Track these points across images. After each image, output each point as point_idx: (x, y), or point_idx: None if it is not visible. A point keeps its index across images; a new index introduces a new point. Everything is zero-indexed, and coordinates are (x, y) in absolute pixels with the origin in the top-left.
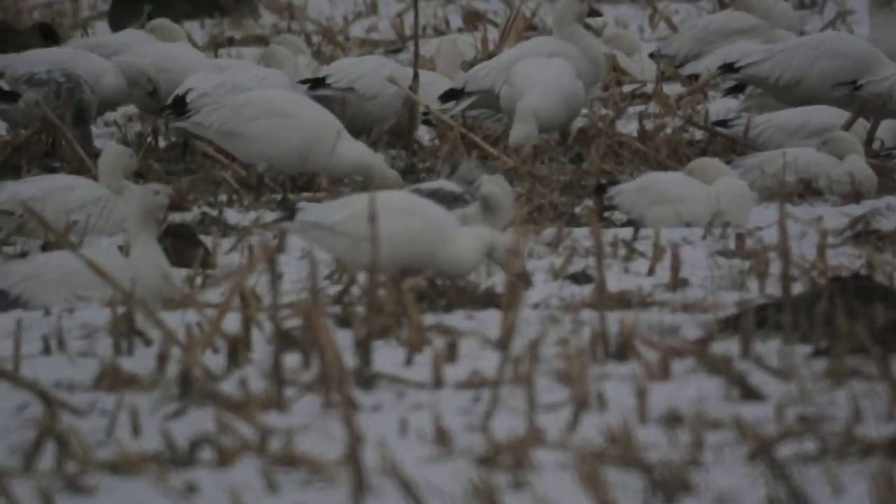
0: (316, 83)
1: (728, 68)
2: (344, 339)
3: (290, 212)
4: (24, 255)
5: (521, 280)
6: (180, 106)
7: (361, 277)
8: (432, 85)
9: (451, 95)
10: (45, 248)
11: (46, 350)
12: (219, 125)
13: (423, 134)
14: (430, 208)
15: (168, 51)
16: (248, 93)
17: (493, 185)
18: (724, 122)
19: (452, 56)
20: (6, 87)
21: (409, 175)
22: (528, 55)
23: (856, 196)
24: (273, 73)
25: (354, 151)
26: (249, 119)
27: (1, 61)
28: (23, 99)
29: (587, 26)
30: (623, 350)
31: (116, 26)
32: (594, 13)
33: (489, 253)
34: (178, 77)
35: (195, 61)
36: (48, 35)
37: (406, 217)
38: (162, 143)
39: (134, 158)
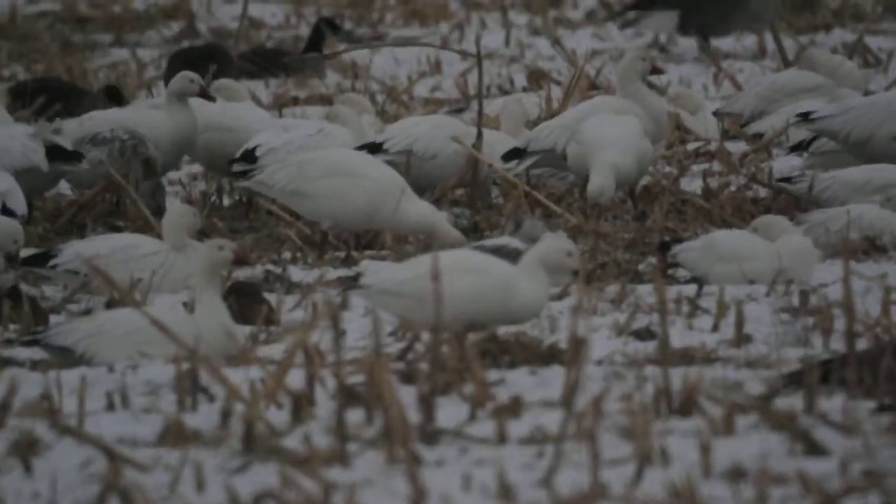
0: (374, 148)
1: (804, 117)
2: (407, 396)
3: (354, 276)
4: (88, 312)
5: (579, 348)
6: (250, 159)
7: (425, 334)
8: (496, 144)
9: (514, 154)
10: (110, 305)
11: (110, 406)
12: (283, 184)
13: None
14: (494, 264)
15: (232, 110)
16: (312, 152)
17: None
18: (788, 180)
19: (516, 115)
20: (69, 148)
21: (473, 233)
22: (591, 114)
23: None
24: (335, 129)
25: (418, 210)
26: (314, 178)
27: (67, 124)
28: (87, 158)
29: (650, 85)
30: (686, 405)
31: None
32: (657, 71)
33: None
34: (243, 136)
35: (259, 120)
36: (114, 97)
37: (471, 275)
38: (226, 202)
39: (198, 217)
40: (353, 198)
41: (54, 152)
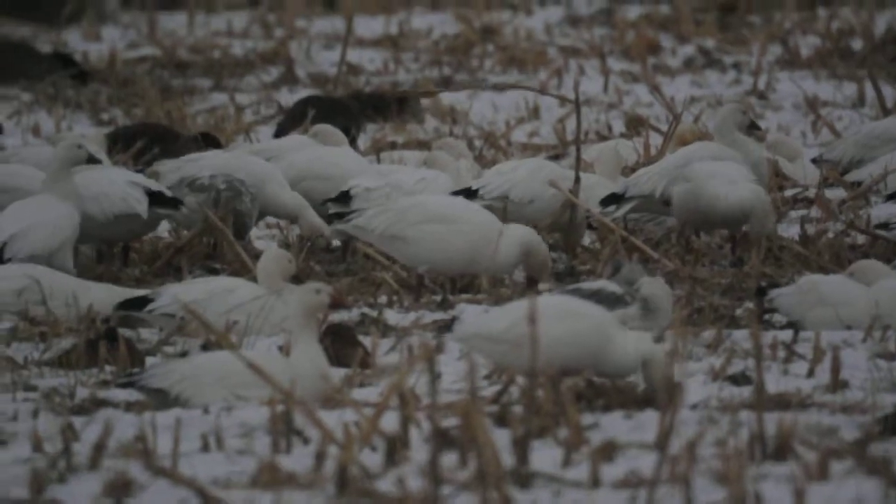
0: (469, 194)
1: None
2: (501, 438)
3: (449, 322)
4: (183, 354)
5: (675, 392)
6: (344, 200)
7: (519, 378)
8: (593, 188)
9: (612, 200)
10: (205, 348)
11: (205, 447)
12: (382, 229)
13: (584, 236)
14: (590, 310)
15: (329, 155)
16: (411, 197)
17: (654, 286)
18: (885, 226)
19: (613, 160)
20: (169, 194)
21: (569, 277)
22: (690, 160)
23: None
24: (435, 176)
25: (513, 239)
26: (414, 223)
27: (165, 165)
28: (185, 204)
29: (749, 133)
30: (781, 450)
31: (280, 132)
32: (754, 126)
33: (645, 364)
34: (340, 182)
35: (356, 165)
36: (210, 143)
37: (567, 319)
38: (322, 244)
39: (293, 262)
40: (453, 243)
41: (154, 197)
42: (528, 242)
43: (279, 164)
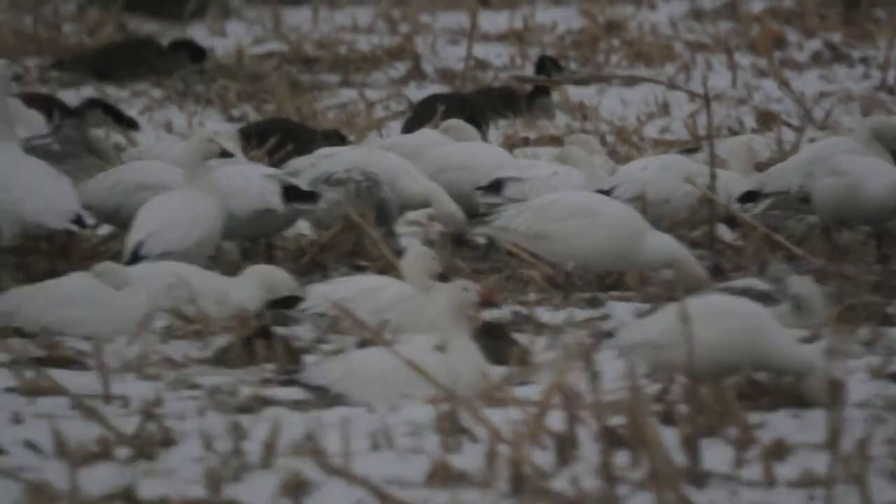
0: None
1: None
2: (668, 437)
3: (606, 334)
4: (340, 352)
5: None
6: (496, 189)
7: (680, 376)
8: (727, 184)
9: (749, 197)
10: (362, 346)
11: (374, 447)
12: (525, 228)
13: (725, 233)
14: (750, 307)
15: (469, 149)
16: (551, 195)
17: (803, 285)
18: None
19: (745, 156)
20: (305, 188)
21: (716, 275)
22: (825, 155)
23: None
24: (569, 171)
25: (663, 245)
26: (556, 220)
27: (299, 162)
28: (323, 199)
29: None
30: None
31: (410, 127)
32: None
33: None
34: (480, 173)
35: (496, 158)
36: (334, 142)
37: (727, 318)
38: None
39: (436, 260)
40: (597, 238)
41: (290, 192)
42: (672, 257)
43: (419, 158)
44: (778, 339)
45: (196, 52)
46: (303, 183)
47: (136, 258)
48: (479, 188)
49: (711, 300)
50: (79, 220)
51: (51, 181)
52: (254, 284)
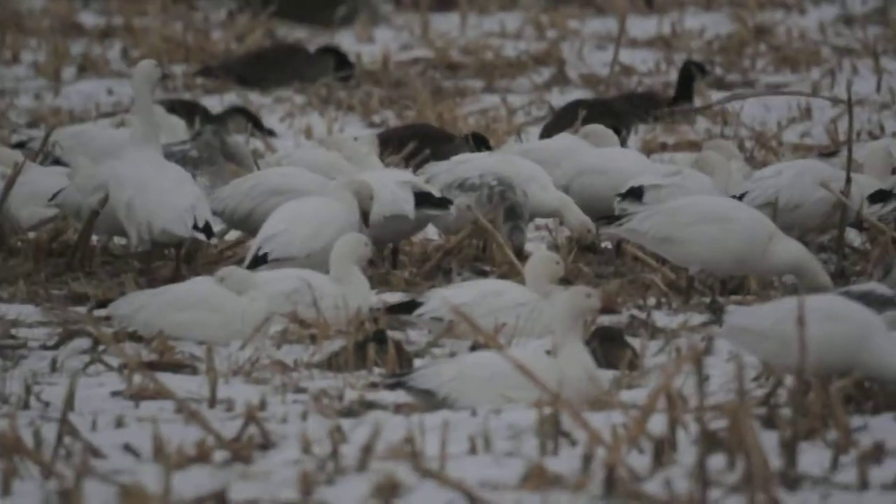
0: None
1: None
2: (769, 441)
3: (718, 315)
4: (452, 356)
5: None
6: (637, 196)
7: (788, 380)
8: (863, 189)
9: (880, 197)
10: (474, 350)
11: (472, 450)
12: (655, 231)
13: (854, 237)
14: (858, 312)
15: (608, 153)
16: (683, 199)
17: None
18: None
19: (883, 160)
20: (437, 194)
21: (839, 278)
22: None
23: None
24: (693, 173)
25: (790, 250)
26: (686, 224)
27: (434, 168)
28: (454, 204)
29: None
30: None
31: (546, 133)
32: None
33: None
34: (618, 179)
35: (634, 163)
36: (480, 143)
37: (832, 321)
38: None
39: (561, 265)
40: (726, 243)
41: (422, 198)
42: (799, 262)
43: (555, 163)
44: (881, 347)
45: (342, 60)
46: (435, 189)
47: (257, 261)
48: (619, 195)
49: (822, 301)
50: (206, 230)
51: (184, 189)
52: (366, 286)
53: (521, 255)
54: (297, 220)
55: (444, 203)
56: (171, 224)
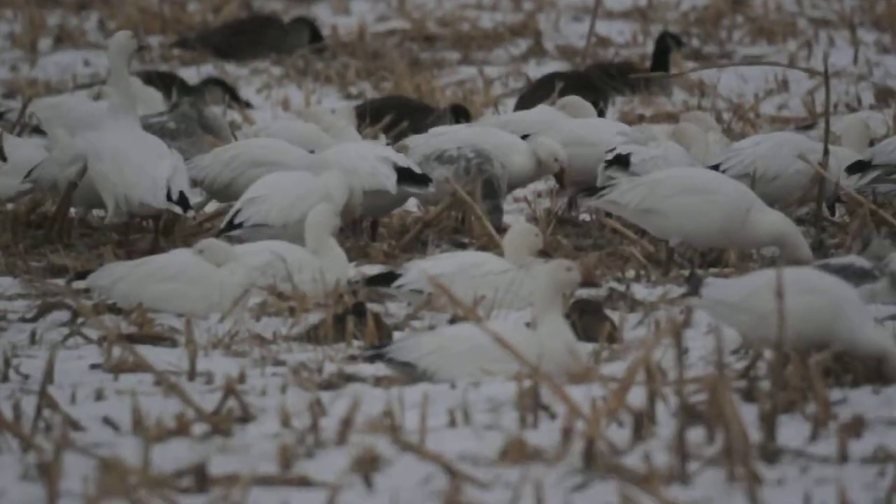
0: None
1: None
2: (748, 414)
3: (695, 287)
4: (431, 328)
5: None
6: (625, 163)
7: (768, 353)
8: (840, 161)
9: (858, 168)
10: (453, 322)
11: (452, 423)
12: (636, 203)
13: (832, 210)
14: (834, 285)
15: (592, 126)
16: (662, 171)
17: None
18: None
19: (861, 133)
20: (418, 170)
21: (818, 251)
22: None
23: None
24: (672, 146)
25: (772, 220)
26: (667, 196)
27: (413, 140)
28: (433, 176)
29: None
30: None
31: (524, 104)
32: None
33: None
34: (594, 150)
35: (611, 133)
36: (460, 114)
37: (807, 294)
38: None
39: (540, 237)
40: (708, 214)
41: (403, 174)
42: (781, 233)
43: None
44: (855, 321)
45: (315, 32)
46: (415, 164)
47: (231, 226)
48: (606, 161)
49: (798, 274)
50: (183, 201)
51: (162, 161)
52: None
53: (501, 231)
54: (277, 190)
55: (424, 180)
56: (149, 196)
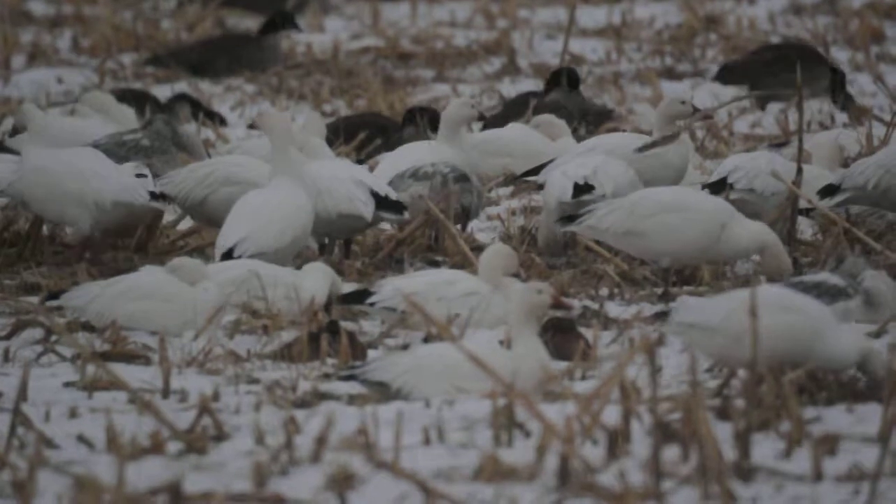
0: (716, 186)
1: None
2: (723, 432)
3: (665, 312)
4: (405, 347)
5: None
6: (586, 190)
7: (741, 371)
8: (813, 180)
9: (828, 191)
10: (427, 341)
11: (426, 441)
12: (616, 227)
13: (806, 228)
14: (808, 304)
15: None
16: (638, 192)
17: (877, 280)
18: None
19: (832, 152)
20: (395, 197)
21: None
22: None
23: None
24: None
25: (752, 229)
26: (646, 217)
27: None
28: (408, 192)
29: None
30: None
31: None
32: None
33: (865, 359)
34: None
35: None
36: (420, 117)
37: (783, 313)
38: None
39: (515, 258)
40: (688, 232)
41: (379, 201)
42: (763, 243)
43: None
44: (830, 340)
45: (286, 19)
46: (390, 188)
47: (229, 258)
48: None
49: (771, 293)
50: (160, 196)
51: (122, 167)
52: (323, 279)
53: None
54: (266, 217)
55: (398, 207)
56: (124, 194)
